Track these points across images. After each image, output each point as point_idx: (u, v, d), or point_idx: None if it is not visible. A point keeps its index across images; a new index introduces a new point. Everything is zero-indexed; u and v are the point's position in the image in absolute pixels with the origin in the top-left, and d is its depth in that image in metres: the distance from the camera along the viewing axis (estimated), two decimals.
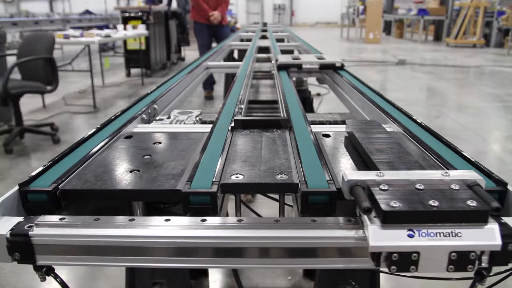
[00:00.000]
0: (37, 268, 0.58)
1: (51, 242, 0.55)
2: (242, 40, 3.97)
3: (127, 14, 6.94)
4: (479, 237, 0.49)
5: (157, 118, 1.15)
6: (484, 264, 0.52)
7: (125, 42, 6.78)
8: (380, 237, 0.49)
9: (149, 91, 1.35)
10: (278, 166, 0.71)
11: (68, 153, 0.78)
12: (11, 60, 3.96)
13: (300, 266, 0.56)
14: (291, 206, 0.88)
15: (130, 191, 0.64)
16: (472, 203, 0.50)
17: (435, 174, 0.57)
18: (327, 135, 0.92)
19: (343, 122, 1.51)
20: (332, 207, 0.62)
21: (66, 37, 4.85)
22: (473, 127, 4.20)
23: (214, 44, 4.48)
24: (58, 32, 5.07)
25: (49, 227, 0.56)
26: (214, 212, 0.61)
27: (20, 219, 0.58)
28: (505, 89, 6.13)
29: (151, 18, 6.82)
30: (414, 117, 1.03)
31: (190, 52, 9.72)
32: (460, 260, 0.50)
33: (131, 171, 0.71)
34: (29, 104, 4.97)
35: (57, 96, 5.40)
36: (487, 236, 0.50)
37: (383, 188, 0.54)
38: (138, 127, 1.02)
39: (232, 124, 0.95)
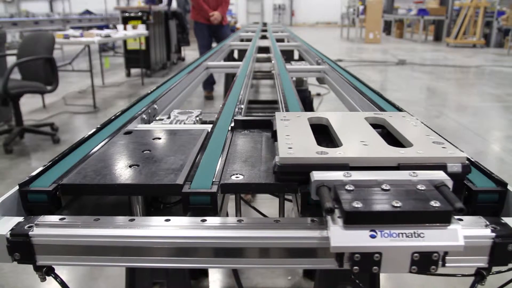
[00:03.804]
0: (37, 268, 0.58)
1: (51, 242, 0.55)
2: (242, 40, 3.97)
3: (127, 14, 6.94)
4: (441, 238, 0.49)
5: (157, 118, 1.15)
6: (447, 264, 0.52)
7: (125, 42, 6.78)
8: (342, 237, 0.49)
9: (149, 91, 1.35)
10: None
11: (68, 153, 0.78)
12: (11, 60, 3.96)
13: (300, 266, 0.56)
14: (291, 201, 0.88)
15: (130, 186, 0.65)
16: (435, 204, 0.50)
17: (403, 175, 0.57)
18: None
19: None
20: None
21: (66, 37, 4.85)
22: (473, 127, 4.20)
23: (214, 44, 4.48)
24: (58, 32, 5.07)
25: (49, 227, 0.56)
26: (214, 212, 0.61)
27: (20, 219, 0.58)
28: (505, 89, 6.13)
29: (151, 18, 6.82)
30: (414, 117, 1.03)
31: (190, 52, 9.72)
32: (423, 260, 0.50)
33: (130, 166, 0.71)
34: (29, 104, 4.97)
35: (57, 96, 5.40)
36: (450, 236, 0.49)
37: (348, 188, 0.54)
38: (138, 127, 1.02)
39: (232, 124, 0.95)
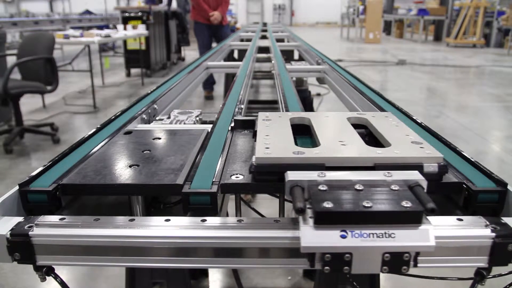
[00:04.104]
0: (37, 268, 0.58)
1: (51, 242, 0.55)
2: (242, 40, 3.97)
3: (127, 14, 6.94)
4: (412, 238, 0.49)
5: (157, 118, 1.15)
6: (420, 265, 0.52)
7: (125, 42, 6.78)
8: (312, 237, 0.49)
9: (149, 91, 1.35)
10: None
11: (68, 153, 0.78)
12: (11, 60, 3.96)
13: (300, 266, 0.56)
14: (291, 201, 0.88)
15: (130, 186, 0.65)
16: (406, 204, 0.50)
17: (378, 175, 0.57)
18: None
19: None
20: None
21: (66, 37, 4.85)
22: (473, 127, 4.20)
23: (214, 44, 4.48)
24: (58, 32, 5.07)
25: (49, 227, 0.56)
26: (214, 212, 0.61)
27: (20, 219, 0.58)
28: (505, 89, 6.13)
29: (151, 18, 6.82)
30: (414, 117, 1.03)
31: (190, 52, 9.72)
32: (394, 261, 0.50)
33: (130, 166, 0.71)
34: (29, 104, 4.97)
35: (57, 96, 5.40)
36: (421, 237, 0.49)
37: (321, 188, 0.54)
38: (138, 127, 1.02)
39: (232, 124, 0.95)
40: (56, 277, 0.62)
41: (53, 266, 0.59)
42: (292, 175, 0.56)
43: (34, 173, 0.67)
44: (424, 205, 0.50)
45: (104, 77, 6.68)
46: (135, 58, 6.78)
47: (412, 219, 0.50)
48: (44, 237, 0.55)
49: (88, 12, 14.02)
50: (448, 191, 0.68)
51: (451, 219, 0.57)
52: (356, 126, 0.81)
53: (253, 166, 0.62)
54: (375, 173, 0.58)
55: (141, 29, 6.29)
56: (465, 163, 0.73)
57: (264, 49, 2.99)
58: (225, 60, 2.96)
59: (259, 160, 0.61)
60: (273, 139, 0.69)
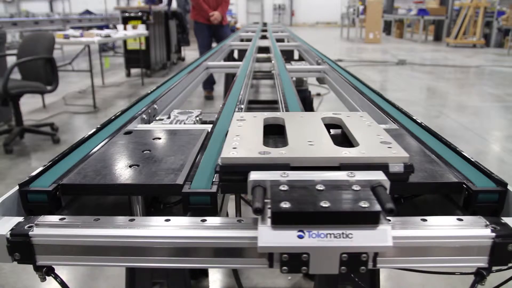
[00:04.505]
0: (37, 268, 0.58)
1: (51, 242, 0.55)
2: (242, 40, 3.97)
3: (127, 14, 6.94)
4: (370, 239, 0.49)
5: (157, 118, 1.15)
6: (379, 265, 0.52)
7: (125, 42, 6.78)
8: (270, 237, 0.49)
9: (149, 91, 1.35)
10: None
11: (68, 153, 0.78)
12: (11, 60, 3.96)
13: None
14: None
15: (130, 186, 0.65)
16: (364, 204, 0.50)
17: (341, 175, 0.57)
18: None
19: None
20: None
21: (66, 37, 4.85)
22: (473, 127, 4.20)
23: (214, 44, 4.48)
24: (58, 32, 5.07)
25: (49, 227, 0.56)
26: (214, 212, 0.61)
27: (20, 219, 0.58)
28: (505, 89, 6.13)
29: (151, 18, 6.82)
30: (414, 117, 1.03)
31: (190, 52, 9.72)
32: (351, 261, 0.50)
33: (130, 166, 0.71)
34: (29, 104, 4.97)
35: (57, 96, 5.40)
36: (379, 237, 0.49)
37: (282, 188, 0.54)
38: (138, 127, 1.02)
39: None
40: (56, 277, 0.62)
41: (53, 266, 0.59)
42: (254, 175, 0.56)
43: (34, 173, 0.67)
44: (383, 206, 0.50)
45: (104, 77, 6.68)
46: (135, 58, 6.78)
47: (369, 219, 0.50)
48: (44, 237, 0.55)
49: (88, 12, 14.02)
50: (448, 191, 0.68)
51: (451, 219, 0.57)
52: (331, 126, 0.82)
53: (218, 166, 0.62)
54: (338, 173, 0.57)
55: (141, 29, 6.29)
56: (465, 163, 0.73)
57: (264, 49, 2.99)
58: (225, 60, 2.96)
59: (224, 160, 0.61)
60: (243, 139, 0.69)
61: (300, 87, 2.99)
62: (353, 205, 0.50)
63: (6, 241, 0.55)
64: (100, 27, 8.67)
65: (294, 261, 0.50)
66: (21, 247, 0.55)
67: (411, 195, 0.74)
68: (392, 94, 5.71)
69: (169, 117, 1.13)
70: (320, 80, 2.14)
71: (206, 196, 0.61)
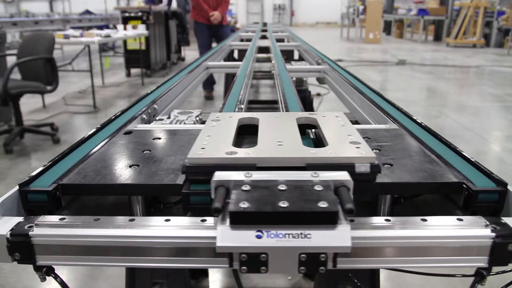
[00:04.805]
0: (37, 268, 0.58)
1: (51, 242, 0.55)
2: (242, 40, 3.97)
3: (127, 14, 6.94)
4: (328, 239, 0.49)
5: (157, 118, 1.15)
6: (339, 265, 0.52)
7: (125, 42, 6.78)
8: (228, 237, 0.49)
9: (149, 91, 1.35)
10: None
11: (68, 153, 0.78)
12: (11, 60, 3.96)
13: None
14: None
15: (130, 186, 0.65)
16: (322, 205, 0.50)
17: (305, 175, 0.57)
18: None
19: None
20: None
21: (66, 37, 4.85)
22: (473, 127, 4.20)
23: (214, 44, 4.48)
24: (58, 32, 5.07)
25: (49, 227, 0.56)
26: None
27: (20, 219, 0.58)
28: (505, 89, 6.13)
29: (151, 18, 6.82)
30: (414, 117, 1.03)
31: (190, 52, 9.72)
32: (310, 261, 0.50)
33: (130, 166, 0.71)
34: (29, 104, 4.97)
35: (57, 96, 5.40)
36: (337, 237, 0.49)
37: (244, 188, 0.54)
38: (138, 127, 1.02)
39: None
40: (56, 277, 0.62)
41: (53, 266, 0.59)
42: (218, 175, 0.56)
43: (34, 173, 0.67)
44: (343, 206, 0.50)
45: (104, 77, 6.68)
46: (135, 58, 6.78)
47: (327, 219, 0.50)
48: (44, 237, 0.55)
49: (88, 12, 14.02)
50: (448, 191, 0.68)
51: (451, 219, 0.57)
52: (306, 126, 0.81)
53: (184, 166, 0.62)
54: (302, 173, 0.57)
55: (141, 29, 6.29)
56: (465, 163, 0.73)
57: (264, 49, 2.99)
58: (225, 60, 2.96)
59: (191, 160, 0.62)
60: (213, 139, 0.70)
61: (300, 87, 2.99)
62: (311, 205, 0.50)
63: (6, 241, 0.55)
64: (100, 27, 8.67)
65: (252, 261, 0.50)
66: (21, 247, 0.55)
67: (411, 195, 0.74)
68: (392, 94, 5.71)
69: (169, 117, 1.13)
70: (320, 80, 2.13)
71: (206, 196, 0.61)
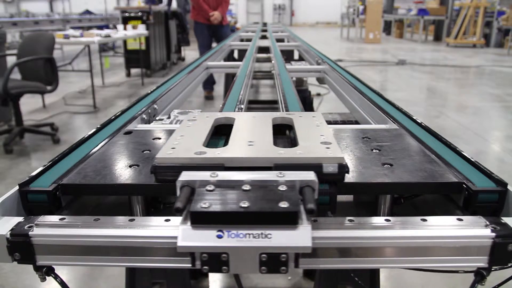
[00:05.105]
0: (37, 268, 0.58)
1: (51, 242, 0.55)
2: (242, 40, 3.97)
3: (127, 14, 6.94)
4: (288, 239, 0.49)
5: (157, 118, 1.15)
6: (301, 265, 0.52)
7: (125, 42, 6.78)
8: (189, 237, 0.49)
9: (149, 91, 1.35)
10: None
11: (68, 153, 0.78)
12: (11, 60, 3.96)
13: (301, 266, 0.56)
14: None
15: (130, 186, 0.65)
16: (283, 205, 0.50)
17: (271, 175, 0.57)
18: None
19: (343, 122, 1.52)
20: (332, 207, 0.62)
21: (66, 37, 4.85)
22: (473, 127, 4.20)
23: (214, 44, 4.48)
24: (58, 32, 5.07)
25: (49, 227, 0.56)
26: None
27: (20, 219, 0.58)
28: (505, 89, 6.13)
29: (151, 18, 6.82)
30: (414, 117, 1.03)
31: (190, 52, 9.72)
32: (271, 261, 0.50)
33: (130, 166, 0.71)
34: (29, 104, 4.97)
35: (57, 96, 5.40)
36: (298, 238, 0.49)
37: (208, 188, 0.54)
38: (138, 127, 1.02)
39: None
40: (56, 277, 0.62)
41: (53, 266, 0.59)
42: (184, 175, 0.56)
43: (34, 173, 0.67)
44: (305, 206, 0.50)
45: (104, 77, 6.68)
46: (135, 58, 6.79)
47: (288, 219, 0.50)
48: (44, 237, 0.55)
49: (88, 12, 14.02)
50: (448, 191, 0.68)
51: (451, 219, 0.57)
52: (282, 126, 0.82)
53: (153, 166, 0.62)
54: (268, 173, 0.57)
55: (141, 29, 6.29)
56: (465, 163, 0.73)
57: (264, 49, 2.99)
58: (225, 60, 2.96)
59: (159, 160, 0.62)
60: (185, 139, 0.70)
61: (300, 87, 2.99)
62: (272, 206, 0.50)
63: (6, 241, 0.55)
64: (100, 27, 8.67)
65: (214, 260, 0.50)
66: (21, 247, 0.55)
67: (411, 195, 0.74)
68: (392, 94, 5.71)
69: (169, 117, 1.13)
70: (320, 80, 2.13)
71: None
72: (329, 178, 0.60)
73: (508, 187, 0.63)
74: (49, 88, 3.57)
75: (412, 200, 0.75)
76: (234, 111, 1.09)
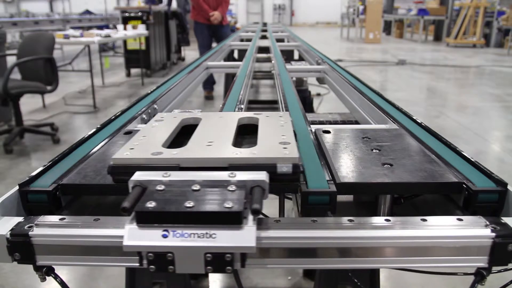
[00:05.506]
0: (37, 268, 0.58)
1: (51, 242, 0.55)
2: (242, 40, 3.97)
3: (127, 14, 6.93)
4: (233, 239, 0.49)
5: None
6: (248, 265, 0.52)
7: (125, 42, 6.78)
8: (134, 236, 0.50)
9: (149, 91, 1.35)
10: None
11: (68, 153, 0.78)
12: (11, 60, 3.96)
13: (300, 266, 0.56)
14: (290, 198, 0.88)
15: None
16: (227, 205, 0.50)
17: (222, 175, 0.57)
18: (327, 131, 0.91)
19: (343, 122, 1.52)
20: (332, 207, 0.62)
21: (66, 37, 4.85)
22: (473, 127, 4.20)
23: (214, 44, 4.48)
24: (58, 32, 5.07)
25: (49, 227, 0.56)
26: None
27: (20, 219, 0.58)
28: (505, 89, 6.13)
29: (151, 18, 6.82)
30: (414, 117, 1.03)
31: (190, 52, 9.72)
32: (216, 261, 0.50)
33: None
34: (29, 104, 4.97)
35: (57, 96, 5.40)
36: (242, 238, 0.49)
37: (158, 188, 0.54)
38: (138, 127, 1.02)
39: None
40: (56, 277, 0.62)
41: (53, 266, 0.59)
42: (136, 175, 0.57)
43: (34, 173, 0.67)
44: (250, 206, 0.50)
45: (104, 77, 6.68)
46: (135, 58, 6.78)
47: (231, 219, 0.50)
48: (44, 237, 0.55)
49: (88, 12, 14.02)
50: (448, 191, 0.68)
51: (451, 219, 0.57)
52: (248, 126, 0.82)
53: (109, 167, 0.62)
54: (220, 173, 0.58)
55: (141, 29, 6.28)
56: (465, 163, 0.73)
57: (264, 49, 2.99)
58: (225, 60, 2.96)
59: (115, 161, 0.62)
60: (147, 139, 0.70)
61: (300, 87, 2.98)
62: (216, 206, 0.50)
63: (6, 241, 0.55)
64: (100, 27, 8.67)
65: (159, 260, 0.50)
66: (21, 247, 0.55)
67: (411, 195, 0.74)
68: (392, 94, 5.71)
69: None
70: (320, 80, 2.13)
71: None
72: (283, 178, 0.60)
73: (508, 187, 0.63)
74: (49, 88, 3.57)
75: (412, 200, 0.75)
76: (234, 111, 1.09)
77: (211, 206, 0.51)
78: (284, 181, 0.61)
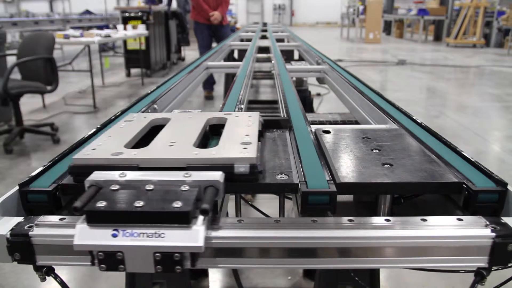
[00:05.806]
0: (37, 268, 0.58)
1: (51, 242, 0.55)
2: (242, 40, 3.97)
3: (127, 14, 6.94)
4: (181, 238, 0.50)
5: None
6: (199, 265, 0.53)
7: (125, 42, 6.78)
8: (84, 236, 0.50)
9: (149, 91, 1.35)
10: (278, 166, 0.71)
11: (68, 153, 0.78)
12: (11, 60, 3.96)
13: (300, 266, 0.56)
14: (290, 198, 0.88)
15: None
16: (176, 205, 0.51)
17: (177, 175, 0.57)
18: (327, 131, 0.91)
19: (343, 122, 1.52)
20: (332, 207, 0.62)
21: (66, 37, 4.85)
22: (473, 127, 4.20)
23: (214, 44, 4.48)
24: (58, 32, 5.07)
25: (49, 227, 0.56)
26: (215, 212, 0.61)
27: (20, 219, 0.58)
28: (505, 89, 6.13)
29: (151, 18, 6.82)
30: (414, 117, 1.03)
31: (190, 52, 9.71)
32: (165, 260, 0.51)
33: None
34: (29, 104, 4.97)
35: (57, 96, 5.40)
36: (190, 237, 0.50)
37: (112, 188, 0.55)
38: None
39: None
40: (56, 277, 0.62)
41: (53, 266, 0.59)
42: (93, 175, 0.57)
43: (34, 173, 0.67)
44: (200, 206, 0.51)
45: (104, 77, 6.68)
46: (135, 58, 6.78)
47: (180, 219, 0.50)
48: (44, 237, 0.55)
49: (88, 12, 14.01)
50: (448, 191, 0.68)
51: (451, 219, 0.57)
52: (217, 126, 0.82)
53: (69, 167, 0.63)
54: (175, 173, 0.58)
55: (141, 29, 6.28)
56: (465, 163, 0.73)
57: (264, 49, 2.99)
58: (225, 60, 2.96)
59: (76, 161, 0.63)
60: (111, 140, 0.70)
61: (300, 87, 2.98)
62: (166, 205, 0.51)
63: (6, 241, 0.55)
64: (100, 27, 8.67)
65: (109, 259, 0.51)
66: (21, 247, 0.55)
67: (411, 195, 0.74)
68: (392, 94, 5.71)
69: None
70: (320, 80, 2.13)
71: None
72: (241, 178, 0.61)
73: (508, 187, 0.63)
74: (49, 88, 3.57)
75: (412, 200, 0.75)
76: (234, 111, 1.09)
77: (160, 206, 0.51)
78: (242, 181, 0.62)
